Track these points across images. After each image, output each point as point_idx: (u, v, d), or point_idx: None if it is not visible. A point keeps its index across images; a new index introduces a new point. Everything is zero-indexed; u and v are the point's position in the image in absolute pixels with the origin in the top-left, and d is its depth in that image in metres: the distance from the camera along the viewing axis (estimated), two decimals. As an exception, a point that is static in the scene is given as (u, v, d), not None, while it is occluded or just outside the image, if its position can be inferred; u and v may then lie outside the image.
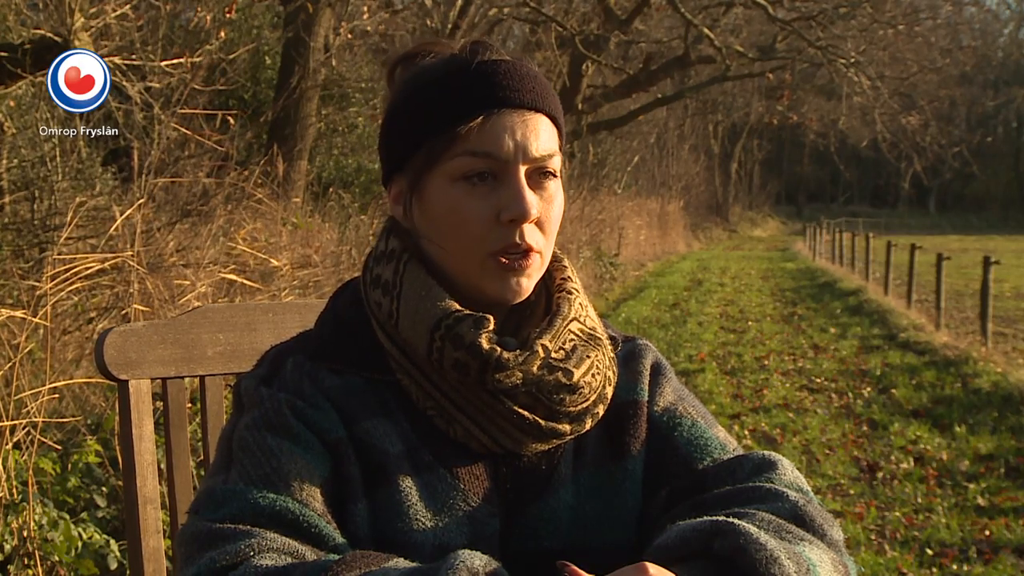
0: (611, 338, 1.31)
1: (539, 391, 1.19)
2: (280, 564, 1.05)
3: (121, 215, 5.45)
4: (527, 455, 1.22)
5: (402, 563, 1.05)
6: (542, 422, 1.19)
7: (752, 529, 1.05)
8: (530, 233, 1.19)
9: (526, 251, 1.19)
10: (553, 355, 1.20)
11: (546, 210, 1.21)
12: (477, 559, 1.00)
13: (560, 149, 1.24)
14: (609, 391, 1.26)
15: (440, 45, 1.26)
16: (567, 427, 1.21)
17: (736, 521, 1.06)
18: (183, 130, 7.23)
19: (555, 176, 1.22)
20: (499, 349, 1.17)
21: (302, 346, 1.25)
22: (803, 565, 1.05)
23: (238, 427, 1.19)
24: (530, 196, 1.18)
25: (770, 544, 1.04)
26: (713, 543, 1.04)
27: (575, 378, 1.20)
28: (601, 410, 1.25)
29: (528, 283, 1.21)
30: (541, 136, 1.19)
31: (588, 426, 1.24)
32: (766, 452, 1.25)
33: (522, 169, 1.18)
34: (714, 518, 1.07)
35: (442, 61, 1.22)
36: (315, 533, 1.11)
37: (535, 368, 1.18)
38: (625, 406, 1.28)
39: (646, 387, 1.30)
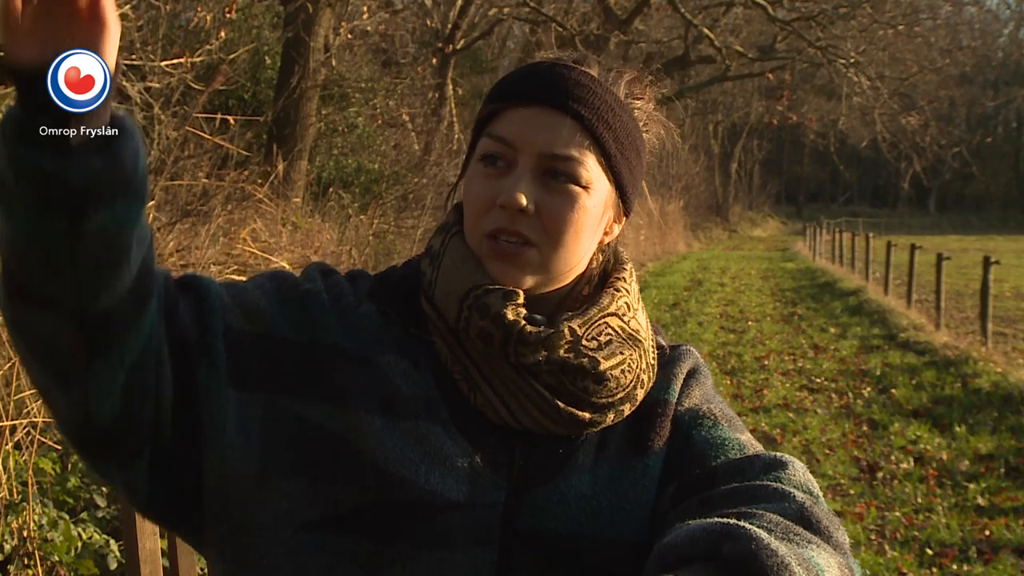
0: (659, 347, 1.32)
1: (563, 373, 1.20)
2: None
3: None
4: (545, 436, 1.23)
5: None
6: (561, 405, 1.21)
7: (763, 535, 1.04)
8: (523, 223, 1.20)
9: (520, 241, 1.21)
10: (584, 342, 1.21)
11: (553, 208, 1.21)
12: None
13: (615, 180, 1.24)
14: (640, 393, 1.26)
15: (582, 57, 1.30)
16: (587, 415, 1.22)
17: (747, 525, 1.05)
18: (195, 131, 7.23)
19: (576, 183, 1.21)
20: (523, 322, 1.19)
21: (366, 280, 1.31)
22: (812, 571, 1.04)
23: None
24: (526, 187, 1.19)
25: (781, 550, 1.03)
26: (723, 546, 1.03)
27: (601, 367, 1.21)
28: (627, 409, 1.25)
29: (524, 276, 1.22)
30: (560, 136, 1.20)
31: (610, 420, 1.24)
32: (778, 453, 1.25)
33: (529, 161, 1.20)
34: (724, 520, 1.06)
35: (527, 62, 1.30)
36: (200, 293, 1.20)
37: (561, 350, 1.20)
38: (654, 404, 1.28)
39: (678, 389, 1.31)
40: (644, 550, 1.22)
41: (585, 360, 1.20)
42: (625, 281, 1.30)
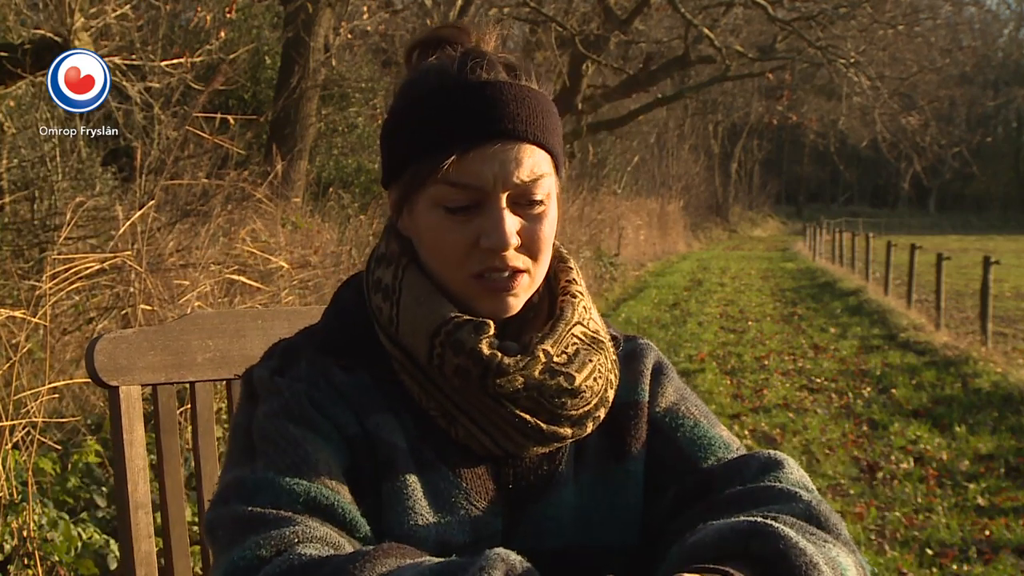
0: (612, 338, 1.31)
1: (541, 395, 1.19)
2: (323, 554, 1.04)
3: (123, 215, 5.45)
4: (528, 456, 1.22)
5: (432, 559, 1.04)
6: (544, 426, 1.20)
7: (791, 533, 1.05)
8: (513, 257, 1.19)
9: (511, 273, 1.19)
10: (555, 359, 1.20)
11: (532, 232, 1.20)
12: (514, 556, 0.99)
13: (557, 171, 1.23)
14: (611, 394, 1.26)
15: (456, 33, 1.25)
16: (568, 430, 1.22)
17: (774, 523, 1.06)
18: (195, 131, 7.23)
19: (543, 199, 1.20)
20: (500, 354, 1.17)
21: (310, 341, 1.25)
22: (837, 571, 1.05)
23: (256, 417, 1.18)
24: (509, 225, 1.18)
25: (809, 549, 1.04)
26: (751, 544, 1.04)
27: (577, 382, 1.20)
28: (602, 413, 1.25)
29: (517, 300, 1.21)
30: (524, 164, 1.18)
31: (589, 429, 1.24)
32: (771, 451, 1.24)
33: (503, 197, 1.18)
34: (752, 519, 1.07)
35: (436, 73, 1.21)
36: (349, 520, 1.11)
37: (536, 373, 1.18)
38: (626, 407, 1.27)
39: (647, 388, 1.30)
40: (636, 556, 1.22)
41: (561, 378, 1.19)
42: (576, 283, 1.29)
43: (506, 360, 1.17)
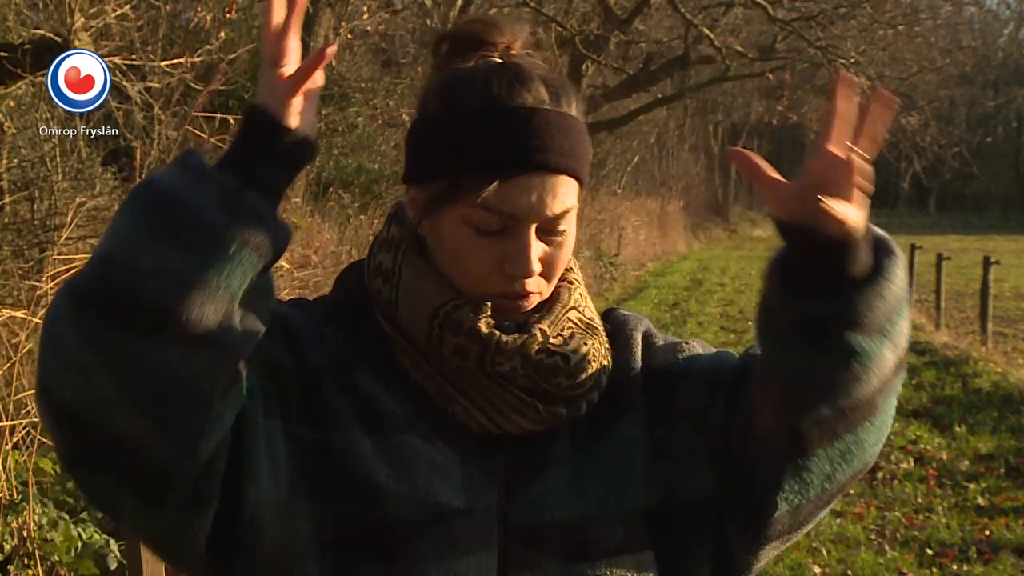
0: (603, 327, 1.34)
1: (537, 374, 1.21)
2: None
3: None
4: (524, 435, 1.24)
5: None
6: (540, 405, 1.22)
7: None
8: (532, 283, 1.22)
9: (525, 296, 1.22)
10: (552, 340, 1.23)
11: (552, 259, 1.23)
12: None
13: (579, 199, 1.25)
14: (604, 379, 1.28)
15: (488, 31, 1.25)
16: (563, 410, 1.24)
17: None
18: (194, 131, 7.23)
19: (568, 228, 1.23)
20: (498, 333, 1.20)
21: (316, 309, 1.27)
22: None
23: None
24: (535, 253, 1.20)
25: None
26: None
27: (572, 363, 1.23)
28: (596, 395, 1.27)
29: (523, 313, 1.24)
30: (559, 196, 1.20)
31: (583, 410, 1.26)
32: None
33: (533, 226, 1.20)
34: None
35: (480, 90, 1.20)
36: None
37: (534, 352, 1.21)
38: (621, 375, 1.30)
39: (639, 353, 1.32)
40: (642, 517, 1.23)
41: (558, 358, 1.22)
42: (574, 272, 1.31)
43: (504, 339, 1.19)
